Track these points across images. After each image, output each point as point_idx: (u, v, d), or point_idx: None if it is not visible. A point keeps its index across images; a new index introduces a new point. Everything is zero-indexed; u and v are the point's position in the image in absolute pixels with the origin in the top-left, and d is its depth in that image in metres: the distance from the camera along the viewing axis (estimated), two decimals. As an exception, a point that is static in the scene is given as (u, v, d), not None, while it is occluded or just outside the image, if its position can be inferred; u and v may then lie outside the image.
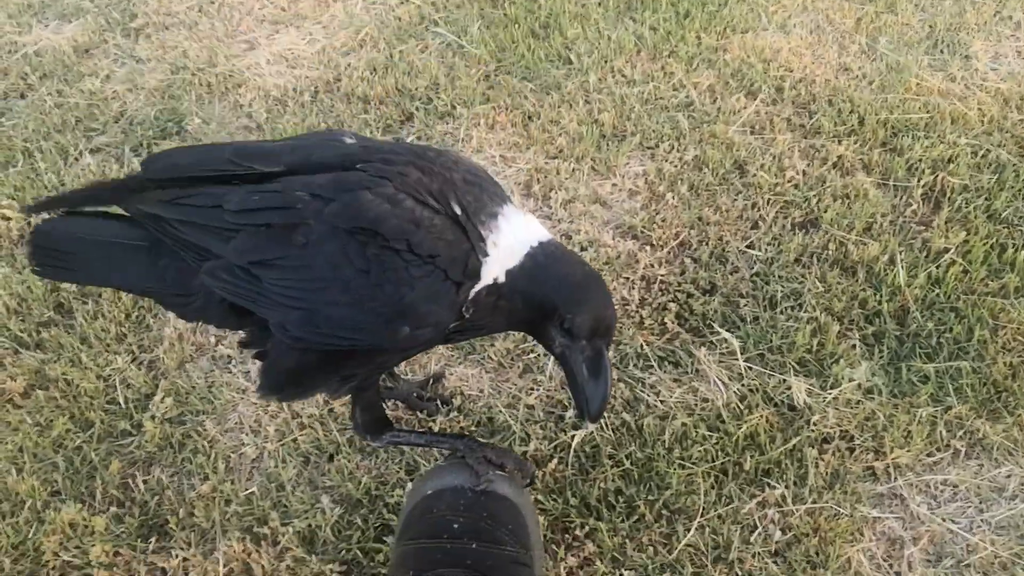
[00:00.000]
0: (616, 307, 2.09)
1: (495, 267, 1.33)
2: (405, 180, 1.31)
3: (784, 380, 1.95)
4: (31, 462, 1.89)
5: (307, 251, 1.30)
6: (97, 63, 2.73)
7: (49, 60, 2.74)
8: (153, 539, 1.76)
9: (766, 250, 2.19)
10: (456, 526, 1.45)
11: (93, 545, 1.74)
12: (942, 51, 2.64)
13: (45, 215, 1.66)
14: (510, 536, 1.46)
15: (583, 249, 2.20)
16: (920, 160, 2.33)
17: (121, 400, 1.98)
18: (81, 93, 2.63)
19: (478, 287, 1.32)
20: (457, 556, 1.43)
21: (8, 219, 2.30)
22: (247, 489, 1.84)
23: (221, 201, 1.35)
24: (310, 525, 1.76)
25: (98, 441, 1.93)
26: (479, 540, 1.44)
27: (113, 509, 1.81)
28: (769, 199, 2.28)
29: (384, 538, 1.73)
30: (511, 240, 1.34)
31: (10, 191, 2.36)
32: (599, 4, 2.80)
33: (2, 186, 2.37)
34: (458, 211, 1.31)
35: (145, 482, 1.86)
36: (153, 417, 1.95)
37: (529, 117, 2.51)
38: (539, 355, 2.03)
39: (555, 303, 1.32)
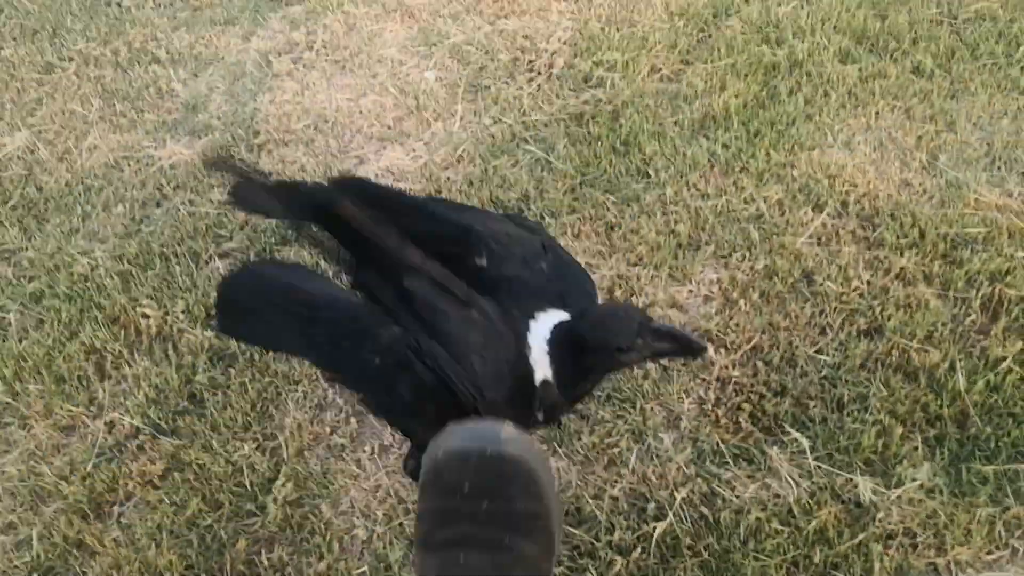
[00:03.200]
0: (694, 406, 2.28)
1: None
2: None
3: (851, 479, 2.10)
4: (168, 539, 2.13)
5: None
6: (224, 176, 3.06)
7: (182, 172, 3.07)
8: (276, 611, 1.98)
9: (833, 355, 2.36)
10: (467, 486, 1.48)
11: (223, 615, 1.97)
12: (999, 168, 2.81)
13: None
14: (522, 492, 1.48)
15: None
16: (979, 272, 2.49)
17: (247, 483, 2.22)
18: (210, 203, 2.94)
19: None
20: (470, 514, 1.47)
21: (147, 316, 2.58)
22: (359, 568, 2.06)
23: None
24: (416, 606, 1.96)
25: (227, 520, 2.17)
26: (491, 498, 1.47)
27: (241, 583, 2.04)
28: (836, 307, 2.46)
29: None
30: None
31: (149, 291, 2.66)
32: (675, 123, 3.05)
33: (142, 287, 2.67)
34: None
35: (268, 559, 2.09)
36: (275, 500, 2.18)
37: (611, 227, 2.74)
38: (623, 449, 2.22)
39: (604, 345, 1.49)
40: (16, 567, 2.12)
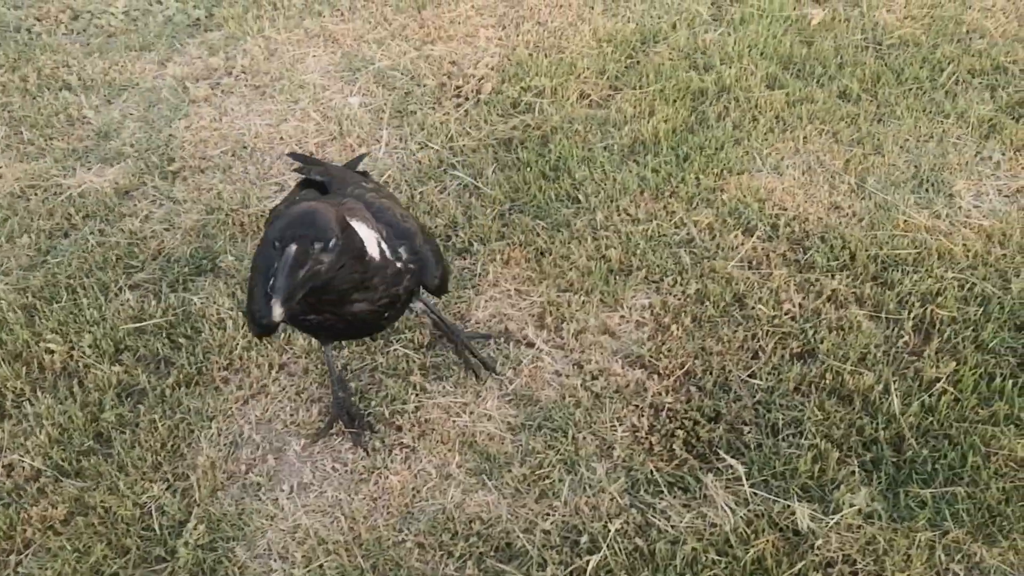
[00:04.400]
0: (628, 434, 2.20)
1: None
2: None
3: (788, 505, 2.04)
4: (69, 588, 1.98)
5: None
6: (137, 204, 2.92)
7: (92, 201, 2.93)
8: (186, 663, 1.84)
9: (767, 379, 2.31)
10: None
11: (128, 670, 1.82)
12: (927, 190, 2.82)
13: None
14: None
15: (594, 378, 2.33)
16: (910, 293, 2.47)
17: (156, 527, 2.08)
18: (121, 232, 2.81)
19: None
20: None
21: (52, 352, 2.44)
22: (276, 614, 1.93)
23: None
24: (336, 649, 1.84)
25: (134, 567, 2.03)
26: None
27: (147, 634, 1.90)
28: (768, 331, 2.41)
29: (408, 662, 1.80)
30: None
31: (54, 325, 2.51)
32: (604, 148, 3.01)
33: (47, 321, 2.52)
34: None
35: (178, 607, 1.95)
36: (186, 543, 2.04)
37: (541, 253, 2.67)
38: (555, 480, 2.13)
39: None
40: (-101, 626, 1.95)
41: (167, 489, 2.16)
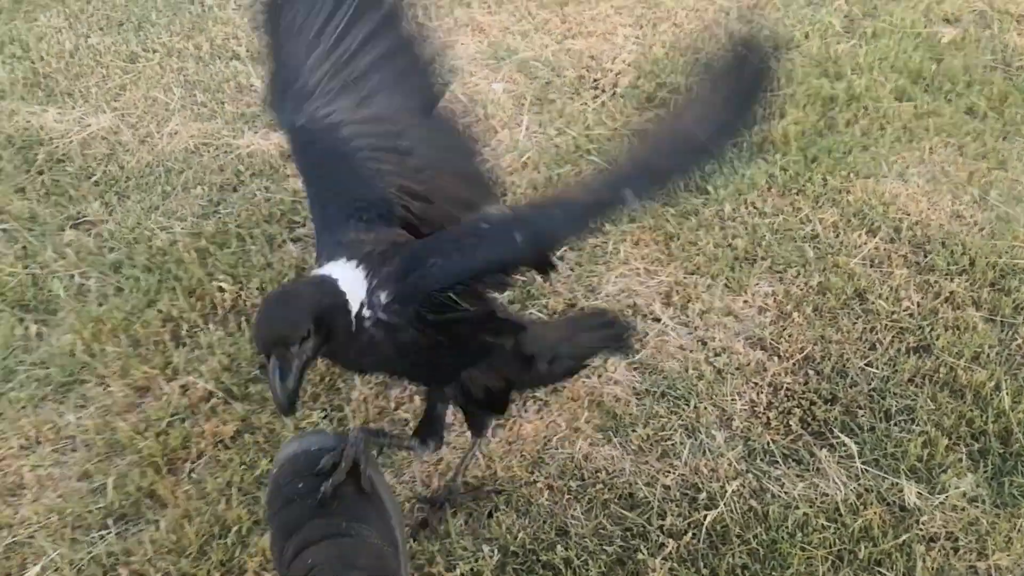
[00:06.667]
0: (746, 408, 2.36)
1: None
2: None
3: (896, 483, 2.19)
4: (237, 495, 2.23)
5: None
6: (298, 167, 3.19)
7: (258, 161, 3.21)
8: (339, 568, 2.07)
9: (883, 369, 2.45)
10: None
11: (288, 568, 2.06)
12: (1049, 206, 2.92)
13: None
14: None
15: (717, 354, 2.50)
16: (1026, 301, 2.58)
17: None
18: (285, 191, 3.08)
19: None
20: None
21: (223, 291, 2.70)
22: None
23: None
24: (473, 568, 2.05)
25: (294, 482, 2.26)
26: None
27: (306, 540, 2.13)
28: (886, 324, 2.55)
29: (537, 586, 2.01)
30: None
31: (225, 268, 2.78)
32: (733, 145, 3.16)
33: (219, 263, 2.79)
34: None
35: (333, 520, 2.18)
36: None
37: (670, 237, 2.85)
38: (676, 443, 2.31)
39: None
40: (91, 511, 2.22)
41: (324, 417, 2.39)
